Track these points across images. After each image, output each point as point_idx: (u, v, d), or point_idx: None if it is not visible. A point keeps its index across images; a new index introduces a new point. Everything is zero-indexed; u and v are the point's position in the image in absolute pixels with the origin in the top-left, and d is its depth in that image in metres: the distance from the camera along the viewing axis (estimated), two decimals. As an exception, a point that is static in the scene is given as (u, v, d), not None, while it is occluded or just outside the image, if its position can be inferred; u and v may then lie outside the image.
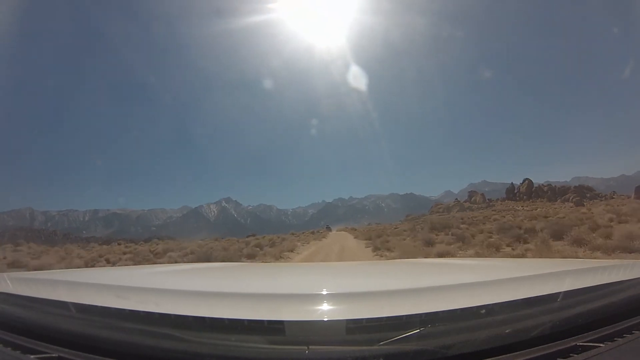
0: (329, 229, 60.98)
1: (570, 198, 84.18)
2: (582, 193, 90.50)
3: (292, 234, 43.61)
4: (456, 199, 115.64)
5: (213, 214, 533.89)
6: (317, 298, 0.99)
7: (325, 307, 0.90)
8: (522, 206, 75.90)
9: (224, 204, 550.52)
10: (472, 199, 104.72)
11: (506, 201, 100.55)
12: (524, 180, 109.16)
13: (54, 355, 0.82)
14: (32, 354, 0.83)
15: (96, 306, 0.90)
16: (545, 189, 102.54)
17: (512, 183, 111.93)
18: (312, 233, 45.46)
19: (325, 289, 1.14)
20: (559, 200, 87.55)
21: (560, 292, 0.88)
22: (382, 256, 12.95)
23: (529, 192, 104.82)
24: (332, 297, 0.98)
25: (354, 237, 29.69)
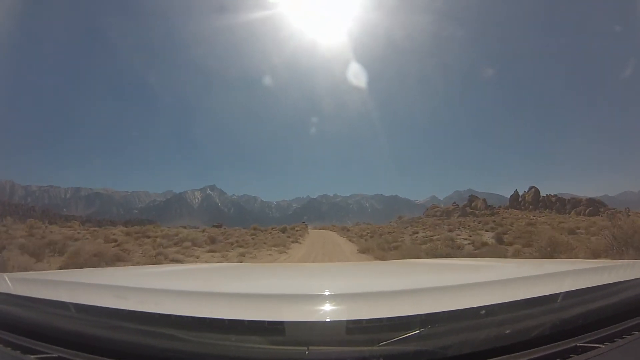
0: (305, 225, 47.82)
1: (585, 211, 75.29)
2: (595, 207, 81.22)
3: (254, 228, 30.15)
4: (454, 202, 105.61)
5: (197, 200, 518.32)
6: (317, 298, 0.98)
7: (325, 307, 0.90)
8: (533, 216, 66.24)
9: (208, 191, 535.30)
10: (473, 204, 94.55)
11: (510, 209, 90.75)
12: (530, 189, 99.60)
13: (54, 355, 0.81)
14: (32, 354, 0.82)
15: (96, 306, 0.89)
16: (554, 199, 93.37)
17: (516, 190, 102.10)
18: (283, 231, 32.15)
19: (326, 290, 1.13)
20: (572, 212, 78.38)
21: (560, 293, 0.88)
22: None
23: (536, 201, 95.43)
24: (332, 298, 0.97)
25: (358, 251, 15.27)
